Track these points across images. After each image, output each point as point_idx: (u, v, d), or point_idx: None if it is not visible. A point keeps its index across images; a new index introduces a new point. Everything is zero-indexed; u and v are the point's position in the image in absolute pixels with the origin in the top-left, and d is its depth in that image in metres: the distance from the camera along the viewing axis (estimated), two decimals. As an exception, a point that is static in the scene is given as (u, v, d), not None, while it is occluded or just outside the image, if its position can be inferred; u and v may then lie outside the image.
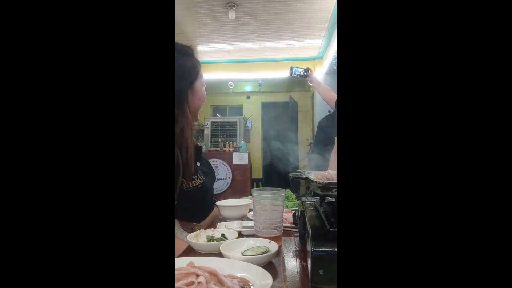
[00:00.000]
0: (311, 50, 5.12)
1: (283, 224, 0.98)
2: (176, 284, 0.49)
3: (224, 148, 4.74)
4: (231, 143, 4.80)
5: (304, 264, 0.68)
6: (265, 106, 7.16)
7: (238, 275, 0.57)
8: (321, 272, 0.52)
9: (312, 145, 2.08)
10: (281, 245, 0.82)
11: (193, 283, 0.50)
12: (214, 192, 1.24)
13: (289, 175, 1.21)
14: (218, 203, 1.11)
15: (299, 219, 0.83)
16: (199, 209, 1.07)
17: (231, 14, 3.87)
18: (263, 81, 5.85)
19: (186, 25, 4.34)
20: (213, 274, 0.53)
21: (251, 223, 0.91)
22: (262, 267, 0.60)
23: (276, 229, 0.86)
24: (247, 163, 4.57)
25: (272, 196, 0.87)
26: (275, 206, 0.86)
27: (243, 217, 1.10)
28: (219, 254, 0.70)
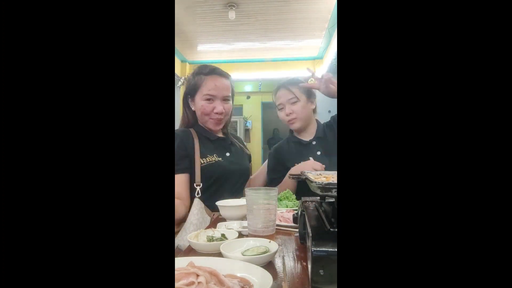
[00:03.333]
0: (311, 50, 5.11)
1: (285, 224, 0.98)
2: (176, 284, 0.49)
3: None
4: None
5: (304, 264, 0.68)
6: (265, 106, 7.15)
7: (238, 275, 0.57)
8: (321, 272, 0.52)
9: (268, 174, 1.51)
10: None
11: (193, 283, 0.50)
12: None
13: (289, 175, 1.21)
14: (218, 203, 1.11)
15: (299, 219, 0.83)
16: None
17: (231, 14, 3.88)
18: (263, 81, 5.83)
19: (186, 25, 4.35)
20: (213, 274, 0.53)
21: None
22: (262, 267, 0.60)
23: (269, 227, 0.87)
24: (247, 163, 4.56)
25: (265, 196, 0.87)
26: (269, 205, 0.87)
27: (243, 217, 1.10)
28: (219, 254, 0.70)
